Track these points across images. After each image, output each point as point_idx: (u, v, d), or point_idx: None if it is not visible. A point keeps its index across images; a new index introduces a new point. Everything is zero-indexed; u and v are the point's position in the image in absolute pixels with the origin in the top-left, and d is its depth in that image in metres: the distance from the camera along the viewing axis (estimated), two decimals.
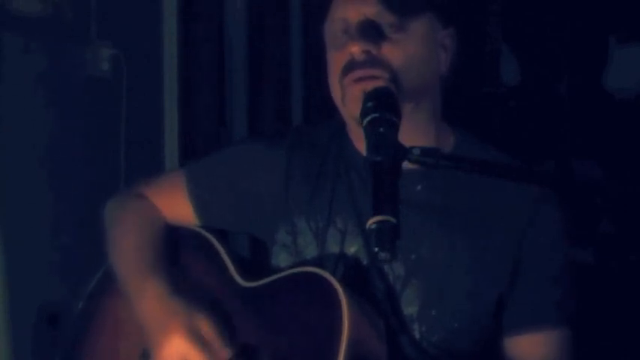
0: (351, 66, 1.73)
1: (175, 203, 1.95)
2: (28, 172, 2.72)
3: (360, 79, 1.71)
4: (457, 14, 1.85)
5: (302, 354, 1.67)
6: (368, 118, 1.58)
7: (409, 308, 1.77)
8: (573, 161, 3.95)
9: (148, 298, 1.76)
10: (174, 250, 1.91)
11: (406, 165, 1.55)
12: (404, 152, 1.53)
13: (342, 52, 1.75)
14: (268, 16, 3.67)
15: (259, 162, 1.90)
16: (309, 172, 1.87)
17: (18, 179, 2.67)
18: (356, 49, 1.72)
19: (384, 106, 1.59)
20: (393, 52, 1.72)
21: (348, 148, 1.86)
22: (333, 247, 1.82)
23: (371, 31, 1.72)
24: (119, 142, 3.01)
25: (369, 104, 1.60)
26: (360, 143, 1.79)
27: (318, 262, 1.80)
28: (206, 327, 1.70)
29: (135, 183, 2.05)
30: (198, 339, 1.69)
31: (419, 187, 1.80)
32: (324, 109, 1.94)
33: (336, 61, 1.77)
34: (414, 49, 1.74)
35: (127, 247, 1.88)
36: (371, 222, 1.44)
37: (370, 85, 1.68)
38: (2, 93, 2.63)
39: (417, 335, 1.77)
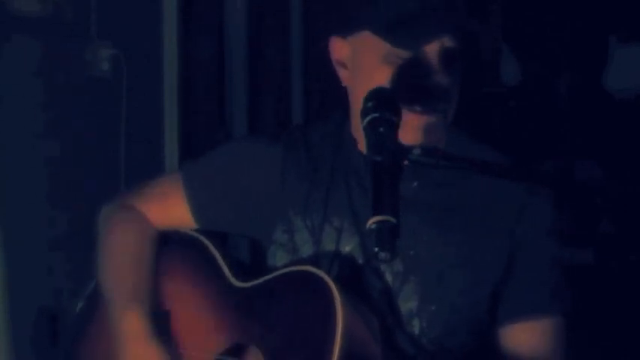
0: (424, 95, 1.71)
1: (171, 207, 1.95)
2: (28, 172, 2.72)
3: (426, 112, 1.71)
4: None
5: (297, 352, 1.68)
6: (368, 118, 1.58)
7: (408, 304, 1.78)
8: (573, 161, 3.95)
9: (122, 332, 1.81)
10: (167, 256, 1.91)
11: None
12: (404, 152, 1.53)
13: (397, 69, 1.72)
14: (268, 16, 3.67)
15: (255, 161, 1.90)
16: (305, 171, 1.87)
17: (18, 179, 2.67)
18: (440, 78, 1.71)
19: (384, 106, 1.60)
20: (453, 84, 1.74)
21: (346, 147, 1.87)
22: (329, 246, 1.82)
23: (451, 63, 1.72)
24: (119, 142, 3.01)
25: (369, 104, 1.60)
26: (361, 142, 1.79)
27: (314, 260, 1.81)
28: None
29: (132, 187, 2.05)
30: None
31: (415, 184, 1.80)
32: (324, 109, 1.94)
33: (385, 77, 1.73)
34: (458, 79, 1.76)
35: (111, 269, 1.91)
36: (371, 222, 1.44)
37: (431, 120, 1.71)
38: (2, 93, 2.63)
39: (416, 331, 1.78)
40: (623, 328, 3.46)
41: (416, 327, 1.78)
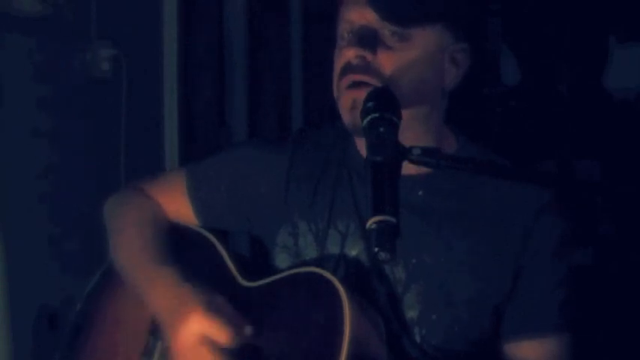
0: (345, 70, 1.74)
1: (175, 203, 1.95)
2: (28, 172, 2.71)
3: (351, 86, 1.72)
4: (472, 29, 1.83)
5: (304, 353, 1.67)
6: (368, 118, 1.58)
7: (410, 312, 1.78)
8: (573, 161, 3.95)
9: (160, 285, 1.74)
10: (176, 248, 1.91)
11: (408, 170, 1.55)
12: (404, 152, 1.53)
13: (342, 53, 1.75)
14: (268, 16, 3.67)
15: (260, 164, 1.90)
16: (311, 174, 1.87)
17: (18, 179, 2.66)
18: (351, 54, 1.73)
19: (383, 106, 1.59)
20: (389, 60, 1.72)
21: (350, 150, 1.86)
22: (333, 249, 1.82)
23: (368, 38, 1.72)
24: (119, 142, 3.01)
25: (369, 104, 1.59)
26: (362, 145, 1.79)
27: (318, 263, 1.80)
28: (225, 305, 1.68)
29: (135, 181, 2.05)
30: (219, 315, 1.65)
31: (420, 192, 1.80)
32: (324, 109, 1.94)
33: (336, 61, 1.78)
34: (413, 59, 1.73)
35: (133, 240, 1.88)
36: (371, 222, 1.44)
37: (361, 95, 1.67)
38: (2, 93, 2.63)
39: (417, 339, 1.77)
40: (623, 328, 3.46)
41: (417, 335, 1.78)
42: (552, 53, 4.10)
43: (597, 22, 4.03)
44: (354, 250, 1.81)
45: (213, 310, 1.65)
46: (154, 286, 1.76)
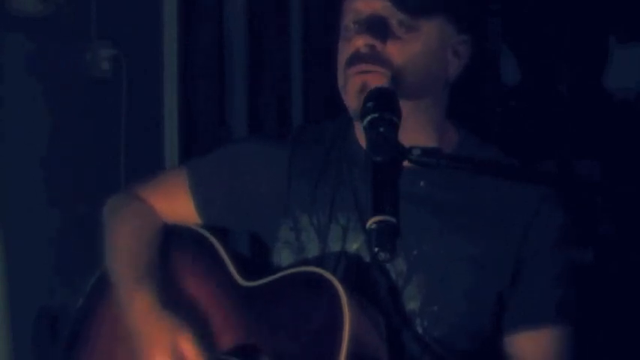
0: (354, 58, 1.74)
1: (176, 201, 1.95)
2: (28, 172, 2.72)
3: (360, 73, 1.72)
4: (473, 22, 1.84)
5: (303, 353, 1.67)
6: (368, 118, 1.58)
7: (411, 304, 1.78)
8: (573, 161, 3.95)
9: (135, 310, 1.78)
10: (173, 251, 1.91)
11: (409, 161, 1.56)
12: (404, 152, 1.53)
13: (349, 43, 1.76)
14: (268, 16, 3.67)
15: (261, 160, 1.91)
16: (311, 169, 1.88)
17: (18, 179, 2.67)
18: (360, 43, 1.73)
19: (383, 106, 1.59)
20: (397, 50, 1.73)
21: (351, 144, 1.87)
22: (335, 244, 1.82)
23: (378, 27, 1.73)
24: (119, 142, 3.01)
25: (369, 104, 1.60)
26: (363, 136, 1.79)
27: (320, 259, 1.81)
28: (188, 345, 1.71)
29: (135, 181, 2.05)
30: (178, 358, 1.69)
31: (422, 183, 1.80)
32: (324, 108, 1.94)
33: (342, 52, 1.78)
34: (420, 50, 1.75)
35: (120, 253, 1.89)
36: (371, 222, 1.45)
37: (370, 79, 1.69)
38: (2, 93, 2.63)
39: (419, 330, 1.78)
40: (623, 328, 3.46)
41: (418, 326, 1.78)
42: (552, 53, 4.10)
43: (597, 22, 4.03)
44: (355, 244, 1.81)
45: (175, 351, 1.70)
46: (131, 308, 1.78)
